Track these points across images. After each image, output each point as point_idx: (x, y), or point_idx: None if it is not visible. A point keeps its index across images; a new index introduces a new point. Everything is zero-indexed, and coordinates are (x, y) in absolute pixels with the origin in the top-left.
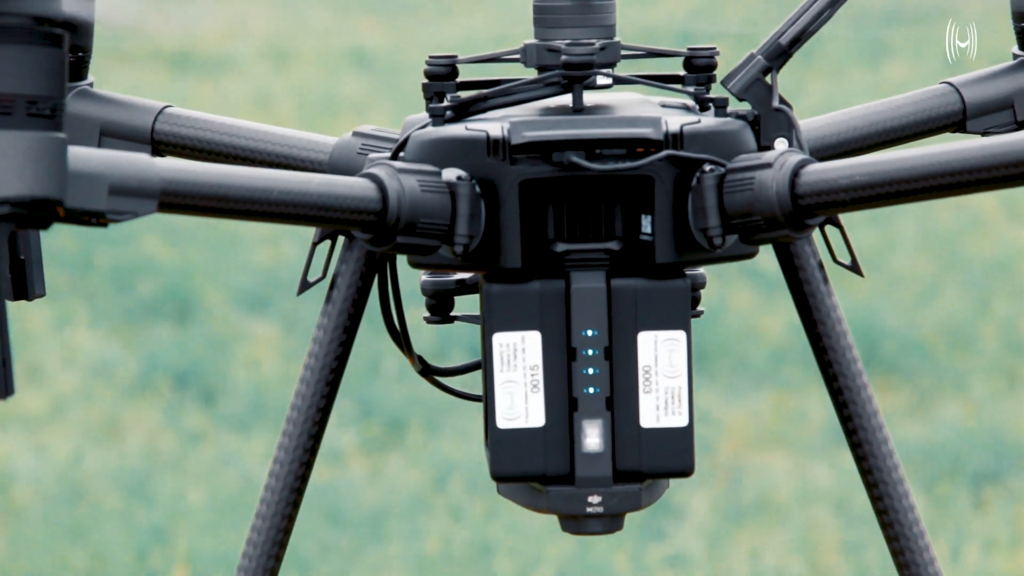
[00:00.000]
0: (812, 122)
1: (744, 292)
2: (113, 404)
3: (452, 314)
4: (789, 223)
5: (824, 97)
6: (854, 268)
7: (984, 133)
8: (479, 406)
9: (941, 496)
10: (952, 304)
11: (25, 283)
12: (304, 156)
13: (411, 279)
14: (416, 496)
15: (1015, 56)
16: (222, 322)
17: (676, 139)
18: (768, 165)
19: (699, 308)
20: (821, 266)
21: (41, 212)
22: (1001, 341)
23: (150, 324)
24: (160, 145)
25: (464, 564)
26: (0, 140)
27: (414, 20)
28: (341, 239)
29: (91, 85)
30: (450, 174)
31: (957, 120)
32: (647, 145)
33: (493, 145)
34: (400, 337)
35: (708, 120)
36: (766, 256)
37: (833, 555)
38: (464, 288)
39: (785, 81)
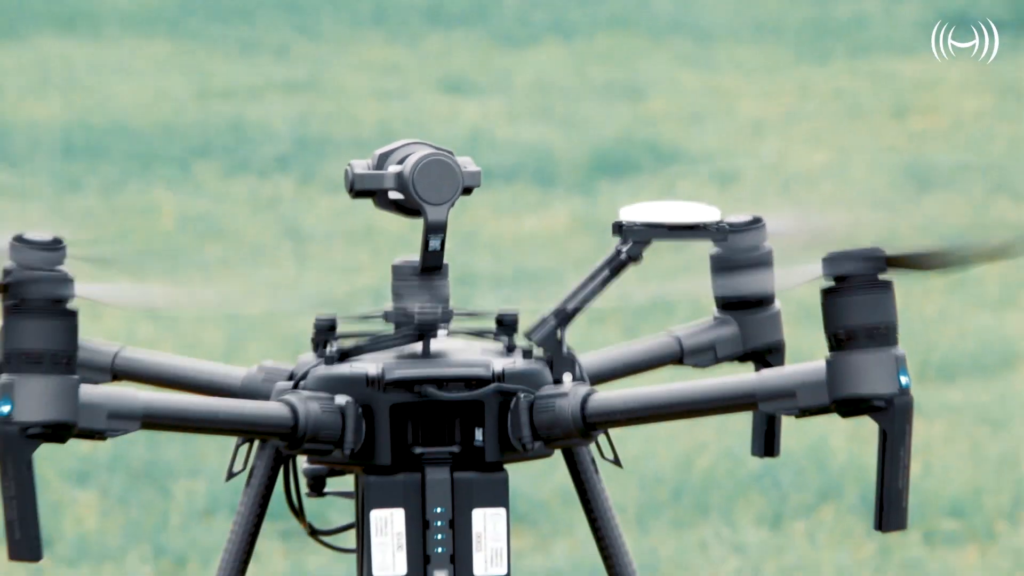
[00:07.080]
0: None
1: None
2: None
3: (325, 490)
4: (580, 435)
5: None
6: (615, 461)
7: (695, 366)
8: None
9: None
10: None
11: None
12: (221, 382)
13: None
14: None
15: (716, 318)
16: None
17: (500, 376)
18: (565, 395)
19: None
20: (593, 460)
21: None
22: None
23: None
24: (118, 376)
25: None
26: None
27: None
28: (256, 441)
29: None
30: (340, 399)
31: (677, 359)
32: (480, 380)
33: (371, 380)
34: (299, 510)
35: (520, 362)
36: None
37: None
38: (334, 472)
39: None
